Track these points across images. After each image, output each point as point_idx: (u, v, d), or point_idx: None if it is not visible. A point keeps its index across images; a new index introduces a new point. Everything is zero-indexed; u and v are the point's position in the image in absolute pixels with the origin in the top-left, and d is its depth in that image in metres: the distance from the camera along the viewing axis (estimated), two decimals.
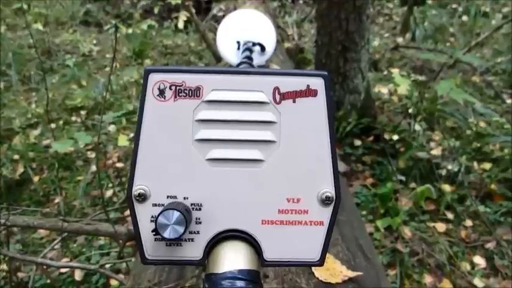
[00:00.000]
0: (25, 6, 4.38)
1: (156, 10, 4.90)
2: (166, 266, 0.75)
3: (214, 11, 3.48)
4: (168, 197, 0.35)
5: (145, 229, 0.34)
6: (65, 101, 3.24)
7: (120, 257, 1.52)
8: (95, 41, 4.57)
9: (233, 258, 0.33)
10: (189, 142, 0.34)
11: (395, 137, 2.39)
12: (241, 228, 0.35)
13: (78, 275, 1.74)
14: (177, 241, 0.35)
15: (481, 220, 1.89)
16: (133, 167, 0.34)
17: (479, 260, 1.73)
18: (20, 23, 4.35)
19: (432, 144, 2.39)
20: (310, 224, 0.36)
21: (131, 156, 0.35)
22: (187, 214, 0.33)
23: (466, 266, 1.69)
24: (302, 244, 0.36)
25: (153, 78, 0.34)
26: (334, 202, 0.35)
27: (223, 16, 0.77)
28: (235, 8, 2.76)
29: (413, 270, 1.69)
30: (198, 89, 0.34)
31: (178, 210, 0.32)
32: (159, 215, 0.32)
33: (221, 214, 0.35)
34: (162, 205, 0.34)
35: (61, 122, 2.97)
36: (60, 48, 4.29)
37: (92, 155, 2.54)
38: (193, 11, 2.49)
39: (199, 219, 0.35)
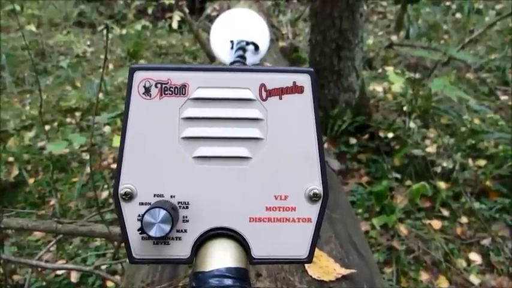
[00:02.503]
0: (18, 8, 4.36)
1: (149, 10, 4.90)
2: (159, 265, 0.75)
3: (208, 10, 3.47)
4: (154, 195, 0.34)
5: (132, 228, 0.34)
6: (59, 102, 3.23)
7: (116, 258, 1.51)
8: (88, 42, 4.56)
9: (221, 256, 0.33)
10: (175, 140, 0.34)
11: (390, 135, 2.39)
12: (229, 226, 0.35)
13: (74, 277, 1.74)
14: (164, 240, 0.35)
15: (476, 217, 1.89)
16: (119, 165, 0.34)
17: (475, 257, 1.73)
18: (13, 24, 4.33)
19: (427, 141, 2.39)
20: (298, 221, 0.35)
21: (117, 155, 0.34)
22: (173, 212, 0.32)
23: (461, 263, 1.70)
24: (290, 241, 0.36)
25: (138, 76, 0.34)
26: (321, 199, 0.35)
27: (217, 16, 0.77)
28: (229, 8, 2.76)
29: (410, 268, 1.69)
30: (183, 86, 0.34)
31: (164, 209, 0.32)
32: (145, 213, 0.32)
33: (208, 212, 0.35)
34: (149, 204, 0.34)
35: (56, 124, 2.96)
36: (54, 50, 4.28)
37: (87, 156, 2.53)
38: (187, 11, 2.49)
39: (186, 217, 0.35)
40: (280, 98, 0.35)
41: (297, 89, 0.34)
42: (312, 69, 0.35)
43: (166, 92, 0.34)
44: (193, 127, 0.34)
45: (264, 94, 0.34)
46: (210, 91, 0.34)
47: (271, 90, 0.34)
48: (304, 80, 0.35)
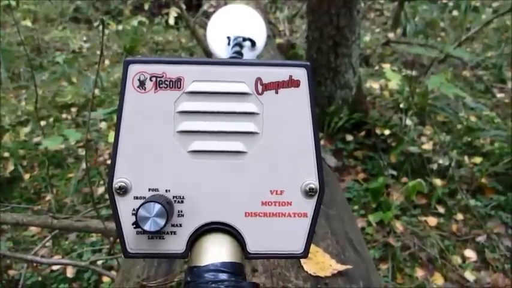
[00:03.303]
0: (13, 3, 4.34)
1: (146, 6, 4.88)
2: (155, 261, 0.74)
3: (205, 6, 3.46)
4: (149, 189, 0.34)
5: (127, 222, 0.34)
6: (55, 98, 3.22)
7: (111, 253, 1.51)
8: (85, 38, 4.54)
9: (216, 251, 0.33)
10: (170, 134, 0.34)
11: (387, 132, 2.39)
12: (225, 220, 0.35)
13: (70, 272, 1.73)
14: (158, 234, 0.34)
15: (471, 214, 1.89)
16: (113, 159, 0.34)
17: (470, 254, 1.74)
18: (9, 20, 4.31)
19: (423, 138, 2.39)
20: (294, 216, 0.35)
21: (112, 148, 0.34)
22: (168, 207, 0.32)
23: (457, 260, 1.70)
24: (286, 236, 0.35)
25: (133, 69, 0.34)
26: (317, 194, 0.35)
27: (214, 12, 0.77)
28: (225, 4, 2.75)
29: (405, 264, 1.70)
30: (178, 80, 0.34)
31: (159, 203, 0.32)
32: (139, 207, 0.31)
33: (204, 207, 0.35)
34: (144, 198, 0.34)
35: (51, 119, 2.95)
36: (50, 45, 4.26)
37: (83, 152, 2.53)
38: (184, 7, 2.48)
39: (181, 211, 0.34)
40: (276, 92, 0.34)
41: (293, 83, 0.34)
42: (308, 63, 0.34)
43: (161, 86, 0.34)
44: (189, 121, 0.34)
45: (259, 88, 0.34)
46: (206, 85, 0.34)
47: (267, 84, 0.34)
48: (300, 74, 0.34)
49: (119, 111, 0.34)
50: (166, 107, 0.34)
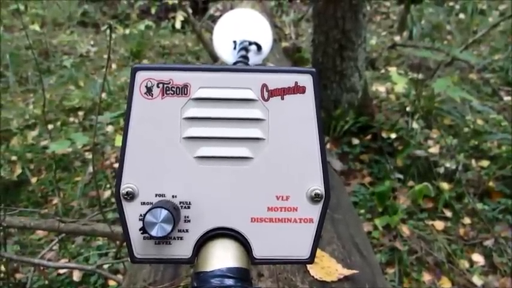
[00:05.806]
0: (22, 7, 4.37)
1: (153, 10, 4.90)
2: (161, 265, 0.75)
3: (211, 10, 3.48)
4: (156, 195, 0.35)
5: (134, 228, 0.34)
6: (62, 101, 3.23)
7: (118, 257, 1.52)
8: (92, 42, 4.56)
9: (222, 256, 0.33)
10: (177, 140, 0.34)
11: (393, 136, 2.39)
12: (231, 226, 0.35)
13: (76, 276, 1.74)
14: (165, 239, 0.35)
15: (479, 218, 1.89)
16: (121, 165, 0.34)
17: (478, 258, 1.73)
18: (17, 24, 4.34)
19: (430, 142, 2.39)
20: (300, 222, 0.35)
21: (119, 154, 0.35)
22: (175, 212, 0.33)
23: (464, 264, 1.69)
24: (292, 242, 0.36)
25: (140, 75, 0.34)
26: (323, 199, 0.35)
27: (220, 16, 0.77)
28: (232, 8, 2.75)
29: (412, 269, 1.69)
30: (185, 86, 0.34)
31: (166, 209, 0.32)
32: (146, 213, 0.32)
33: (210, 212, 0.35)
34: (151, 203, 0.34)
35: (59, 123, 2.97)
36: (58, 49, 4.29)
37: (89, 155, 2.54)
38: (190, 11, 2.49)
39: (188, 217, 0.35)
40: (282, 98, 0.35)
41: (298, 89, 0.34)
42: (313, 69, 0.35)
43: (168, 92, 0.34)
44: (195, 127, 0.34)
45: (265, 94, 0.34)
46: (212, 91, 0.34)
47: (273, 91, 0.34)
48: (306, 80, 0.35)
49: (127, 118, 0.34)
50: (173, 113, 0.34)
